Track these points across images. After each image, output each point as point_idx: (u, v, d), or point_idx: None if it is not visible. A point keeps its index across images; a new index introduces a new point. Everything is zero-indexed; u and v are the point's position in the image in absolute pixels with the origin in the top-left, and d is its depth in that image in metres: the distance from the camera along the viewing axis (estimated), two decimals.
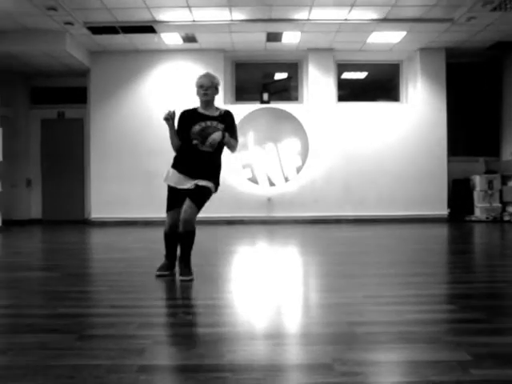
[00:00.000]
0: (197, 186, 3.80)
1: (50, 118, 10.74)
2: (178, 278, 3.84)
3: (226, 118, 3.92)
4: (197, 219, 3.81)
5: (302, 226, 9.35)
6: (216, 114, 3.91)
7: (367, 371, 1.86)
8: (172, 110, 3.80)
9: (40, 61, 9.47)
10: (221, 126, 3.83)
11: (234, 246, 5.75)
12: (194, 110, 3.95)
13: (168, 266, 4.00)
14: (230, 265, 4.93)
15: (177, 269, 3.93)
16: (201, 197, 3.82)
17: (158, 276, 3.90)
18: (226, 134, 3.82)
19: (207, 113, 3.89)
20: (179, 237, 3.89)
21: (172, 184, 3.88)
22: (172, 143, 3.94)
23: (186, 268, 3.82)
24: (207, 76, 3.94)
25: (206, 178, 3.84)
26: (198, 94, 3.92)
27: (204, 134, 3.77)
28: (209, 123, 3.82)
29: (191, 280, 3.74)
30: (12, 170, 10.36)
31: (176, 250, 4.04)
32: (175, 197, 3.88)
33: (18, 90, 10.50)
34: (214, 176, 3.91)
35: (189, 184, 3.82)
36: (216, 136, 3.74)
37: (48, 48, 8.80)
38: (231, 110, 4.05)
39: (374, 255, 5.25)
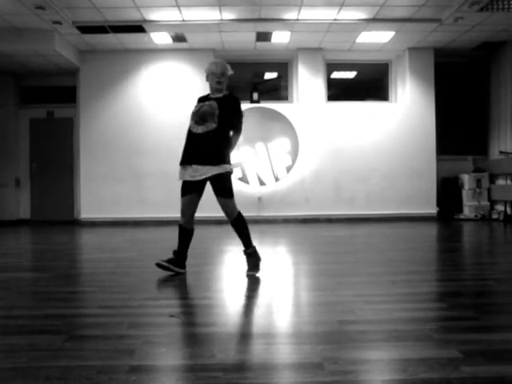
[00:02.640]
0: (210, 179, 3.72)
1: (39, 117, 10.66)
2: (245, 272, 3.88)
3: (226, 101, 3.82)
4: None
5: (292, 225, 9.37)
6: (219, 95, 3.87)
7: (358, 370, 1.87)
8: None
9: (29, 60, 9.40)
10: (215, 104, 3.75)
11: (224, 246, 5.74)
12: (207, 96, 3.95)
13: (171, 260, 3.91)
14: (221, 264, 4.92)
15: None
16: (223, 186, 3.76)
17: (157, 265, 3.88)
18: None
19: (214, 97, 3.87)
20: (187, 235, 3.90)
21: (186, 178, 3.80)
22: None
23: (253, 263, 3.88)
24: (220, 64, 3.84)
25: (208, 162, 3.69)
26: (210, 80, 3.86)
27: (199, 114, 3.76)
28: (207, 103, 3.81)
29: (254, 275, 3.81)
30: (1, 170, 10.29)
31: (185, 249, 3.94)
32: (188, 185, 3.82)
33: (7, 89, 10.42)
34: (217, 158, 3.72)
35: (198, 173, 3.72)
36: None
37: (37, 47, 8.75)
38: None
39: (364, 254, 5.27)
